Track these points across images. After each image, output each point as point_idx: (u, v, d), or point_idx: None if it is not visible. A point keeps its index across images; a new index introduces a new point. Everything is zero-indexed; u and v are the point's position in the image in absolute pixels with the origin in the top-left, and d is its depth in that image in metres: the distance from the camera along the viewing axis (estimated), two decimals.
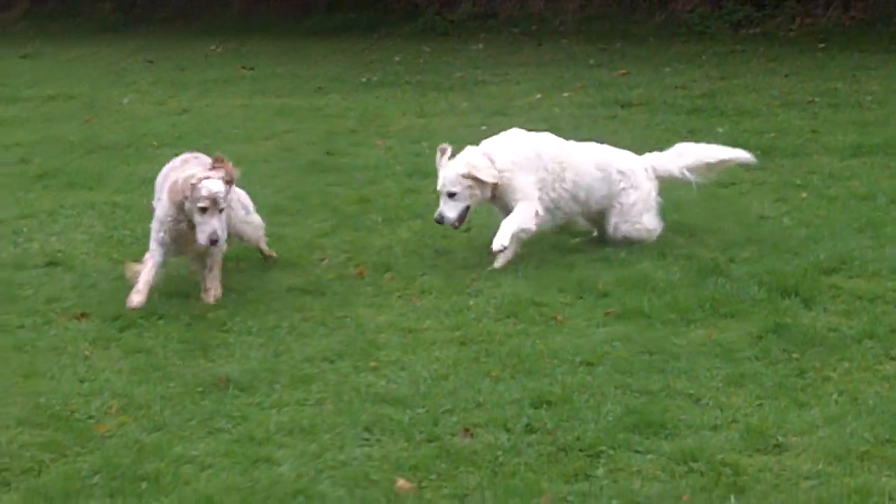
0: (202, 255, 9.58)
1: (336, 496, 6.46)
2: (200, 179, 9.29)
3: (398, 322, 9.03)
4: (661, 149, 11.17)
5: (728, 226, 11.06)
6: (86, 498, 6.45)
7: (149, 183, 12.99)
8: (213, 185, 9.29)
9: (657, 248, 10.46)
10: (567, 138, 10.80)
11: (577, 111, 16.81)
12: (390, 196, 12.55)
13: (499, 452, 6.91)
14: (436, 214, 10.25)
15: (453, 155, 10.36)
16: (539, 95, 18.17)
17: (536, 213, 10.26)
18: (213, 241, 9.26)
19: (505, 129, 10.81)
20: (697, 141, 12.79)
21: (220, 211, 9.29)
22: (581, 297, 9.40)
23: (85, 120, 16.87)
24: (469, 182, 10.19)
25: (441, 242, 10.85)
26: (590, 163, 10.62)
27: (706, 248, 10.44)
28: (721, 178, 12.70)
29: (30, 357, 8.43)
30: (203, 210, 9.23)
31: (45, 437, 7.19)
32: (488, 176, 10.19)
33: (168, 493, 6.47)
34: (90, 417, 7.48)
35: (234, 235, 10.06)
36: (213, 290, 9.52)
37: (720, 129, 15.09)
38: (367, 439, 7.15)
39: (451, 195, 10.18)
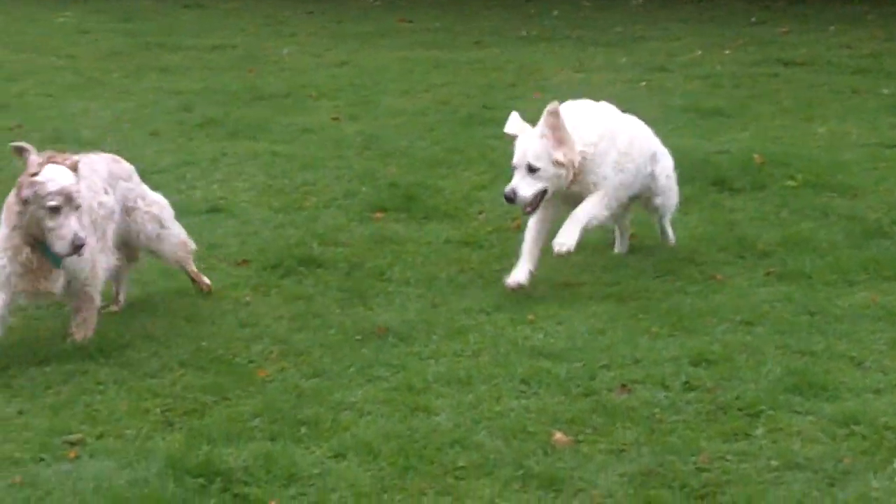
0: (75, 294, 7.81)
1: (493, 446, 6.49)
2: (41, 171, 7.44)
3: (555, 276, 9.02)
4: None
5: (892, 187, 10.86)
6: (247, 440, 6.56)
7: (309, 133, 13.22)
8: (61, 176, 7.42)
9: (819, 208, 10.31)
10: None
11: (738, 69, 16.57)
12: None
13: (656, 409, 6.89)
14: (506, 188, 8.65)
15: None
16: (700, 52, 17.94)
17: (608, 204, 8.86)
18: (78, 247, 7.34)
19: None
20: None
21: (77, 208, 7.40)
22: (741, 257, 9.31)
23: (247, 70, 17.06)
24: (563, 163, 8.61)
25: None
26: (645, 138, 9.37)
27: (870, 209, 10.26)
28: (885, 139, 12.50)
29: (192, 301, 8.59)
30: (54, 210, 7.32)
31: (207, 379, 7.33)
32: (575, 155, 8.66)
33: (327, 439, 6.56)
34: (251, 362, 7.61)
35: (149, 254, 8.64)
36: (82, 332, 7.82)
37: (885, 91, 14.79)
38: (523, 391, 7.18)
39: (533, 170, 8.61)
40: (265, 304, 8.56)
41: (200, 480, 6.10)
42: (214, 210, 10.61)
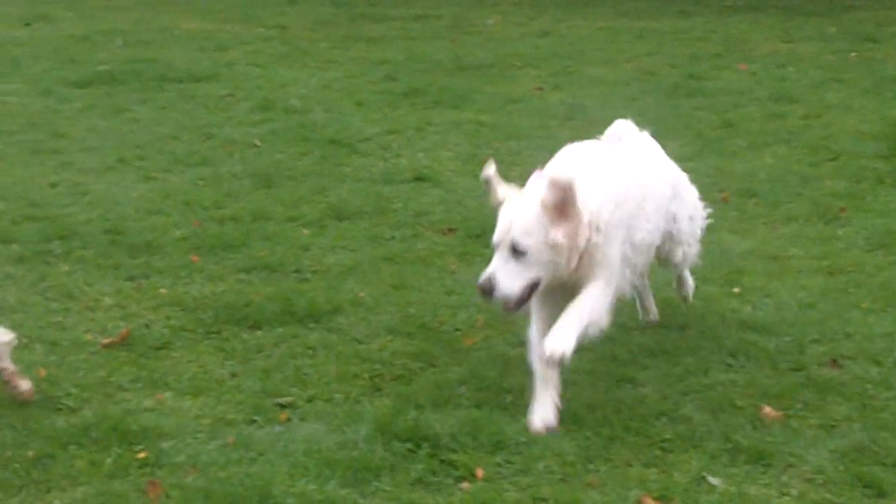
0: None
1: (700, 419, 6.42)
2: None
3: (763, 249, 8.89)
4: None
5: None
6: (454, 407, 6.58)
7: (513, 103, 13.22)
8: None
9: None
10: None
11: None
12: (754, 121, 12.35)
13: (868, 385, 6.75)
14: (482, 277, 6.36)
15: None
16: None
17: (613, 295, 6.61)
18: None
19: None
20: None
21: None
22: None
23: (451, 40, 17.12)
24: (562, 229, 6.25)
25: (807, 170, 10.61)
26: (662, 177, 7.19)
27: None
28: None
29: (399, 268, 8.65)
30: None
31: (414, 346, 7.38)
32: (583, 235, 6.32)
33: None
34: (457, 329, 7.64)
35: None
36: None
37: None
38: (731, 365, 7.08)
39: (518, 253, 6.30)
40: (470, 273, 8.53)
41: (408, 445, 6.14)
42: (420, 179, 10.67)
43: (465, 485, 5.91)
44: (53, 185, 10.51)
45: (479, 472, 5.97)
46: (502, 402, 6.63)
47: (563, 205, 6.17)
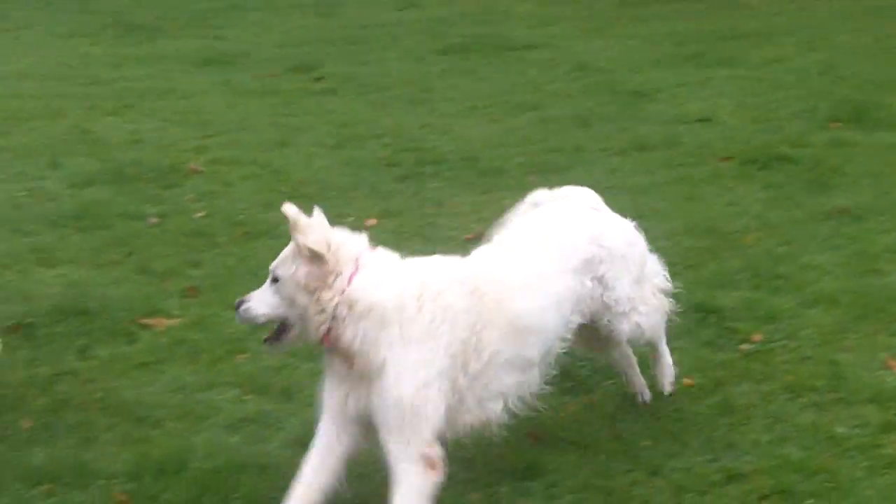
0: None
1: None
2: None
3: None
4: None
5: None
6: (734, 289, 6.51)
7: (776, 62, 12.79)
8: None
9: None
10: None
11: None
12: None
13: None
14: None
15: None
16: None
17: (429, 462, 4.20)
18: None
19: None
20: None
21: None
22: None
23: (724, 15, 16.64)
24: (305, 269, 4.35)
25: None
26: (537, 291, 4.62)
27: None
28: None
29: (689, 187, 8.54)
30: None
31: (702, 244, 7.29)
32: (320, 247, 4.29)
33: (798, 290, 6.42)
34: (735, 231, 7.51)
35: None
36: None
37: None
38: None
39: (274, 281, 4.42)
40: (745, 190, 8.40)
41: (699, 315, 6.11)
42: (703, 119, 10.47)
43: (744, 346, 5.85)
44: (423, 126, 10.78)
45: (756, 337, 5.90)
46: (773, 285, 6.54)
47: (314, 253, 4.32)
